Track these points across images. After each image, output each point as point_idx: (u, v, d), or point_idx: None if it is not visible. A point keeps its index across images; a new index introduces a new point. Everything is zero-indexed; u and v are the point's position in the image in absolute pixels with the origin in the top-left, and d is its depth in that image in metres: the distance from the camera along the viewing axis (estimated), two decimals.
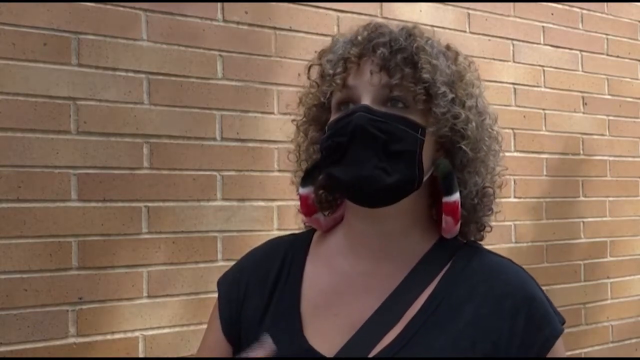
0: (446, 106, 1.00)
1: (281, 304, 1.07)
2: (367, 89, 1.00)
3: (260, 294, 1.10)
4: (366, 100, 0.99)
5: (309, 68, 1.11)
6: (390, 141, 0.97)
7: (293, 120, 1.14)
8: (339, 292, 1.05)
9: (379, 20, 1.11)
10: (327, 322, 1.03)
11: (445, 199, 1.02)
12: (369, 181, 0.98)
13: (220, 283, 1.19)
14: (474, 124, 1.03)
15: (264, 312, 1.08)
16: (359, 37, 1.03)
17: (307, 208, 1.11)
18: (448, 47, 1.08)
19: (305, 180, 1.10)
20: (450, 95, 1.01)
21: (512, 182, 3.01)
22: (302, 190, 1.10)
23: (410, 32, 1.04)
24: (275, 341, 1.01)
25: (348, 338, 1.00)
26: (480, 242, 1.13)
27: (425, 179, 1.01)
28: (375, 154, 0.97)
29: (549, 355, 1.00)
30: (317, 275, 1.08)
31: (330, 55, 1.06)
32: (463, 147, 1.02)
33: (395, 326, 0.99)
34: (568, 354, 3.09)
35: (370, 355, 0.98)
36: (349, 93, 1.02)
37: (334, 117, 1.04)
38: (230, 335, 1.13)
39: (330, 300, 1.05)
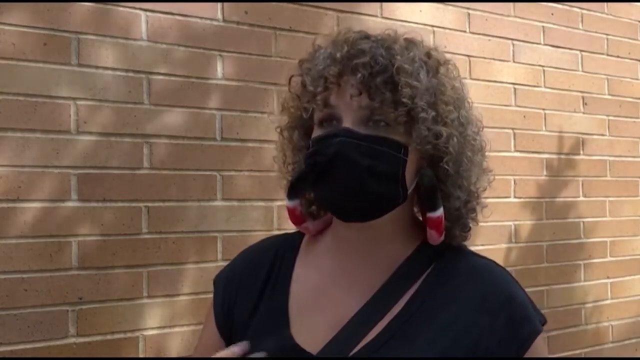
0: (427, 127, 1.01)
1: (271, 302, 1.10)
2: (348, 111, 1.01)
3: (251, 292, 1.12)
4: (347, 122, 1.00)
5: (289, 80, 1.12)
6: (373, 163, 0.98)
7: (277, 127, 1.14)
8: (325, 291, 1.07)
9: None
10: (313, 320, 1.05)
11: (430, 214, 1.04)
12: (352, 203, 1.01)
13: (216, 282, 1.22)
14: (455, 139, 1.03)
15: (254, 310, 1.10)
16: (339, 55, 1.03)
17: (296, 219, 1.13)
18: (429, 55, 1.07)
19: (292, 192, 1.11)
20: (432, 114, 1.01)
21: (512, 182, 3.01)
22: (289, 203, 1.11)
23: (391, 48, 1.02)
24: (263, 337, 1.04)
25: (332, 335, 1.02)
26: (469, 240, 1.13)
27: (410, 191, 1.03)
28: (357, 176, 0.98)
29: (529, 353, 1.01)
30: (306, 275, 1.11)
31: (309, 66, 1.07)
32: (445, 164, 1.03)
33: (377, 324, 1.01)
34: (568, 354, 3.09)
35: (353, 351, 1.00)
36: (331, 112, 1.03)
37: (316, 133, 1.05)
38: (223, 333, 1.16)
39: (316, 299, 1.07)
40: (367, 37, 1.05)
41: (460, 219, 1.08)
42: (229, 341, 1.13)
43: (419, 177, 1.04)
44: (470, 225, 1.10)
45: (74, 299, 2.07)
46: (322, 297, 1.07)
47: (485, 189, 1.10)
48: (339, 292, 1.06)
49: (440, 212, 1.03)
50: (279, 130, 1.14)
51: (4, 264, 1.98)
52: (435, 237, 1.05)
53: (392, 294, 1.04)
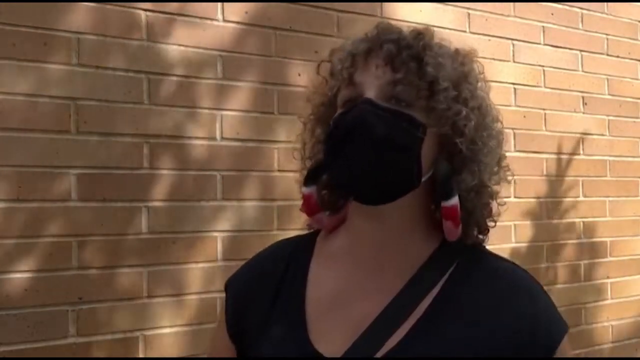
0: (448, 103, 1.01)
1: (286, 306, 1.07)
2: (371, 84, 1.01)
3: (265, 297, 1.10)
4: (370, 95, 1.01)
5: (319, 65, 1.12)
6: (390, 136, 0.98)
7: (300, 118, 1.14)
8: (343, 294, 1.05)
9: (388, 21, 1.12)
10: (331, 324, 1.02)
11: (444, 203, 1.02)
12: (366, 175, 0.99)
13: (227, 286, 1.19)
14: (473, 123, 1.03)
15: (268, 315, 1.08)
16: (369, 35, 1.06)
17: (310, 207, 1.10)
18: (457, 52, 1.10)
19: (309, 179, 1.10)
20: (453, 93, 1.02)
21: (512, 182, 3.00)
22: (305, 190, 1.10)
23: (420, 32, 1.06)
24: (280, 343, 1.02)
25: (353, 340, 1.00)
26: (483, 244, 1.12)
27: (424, 179, 1.02)
28: (374, 146, 0.98)
29: (560, 349, 1.00)
30: (322, 276, 1.08)
31: (340, 53, 1.08)
32: (460, 144, 1.02)
33: (399, 329, 0.99)
34: None
35: (377, 355, 0.98)
36: (355, 90, 1.03)
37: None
38: (234, 338, 1.13)
39: (334, 302, 1.04)
40: (397, 26, 1.08)
41: (476, 212, 1.06)
42: (240, 346, 1.12)
43: (435, 167, 1.03)
44: (487, 226, 1.09)
45: (74, 299, 2.07)
46: (340, 300, 1.04)
47: (499, 183, 1.10)
48: (357, 294, 1.04)
49: (454, 200, 1.02)
50: (302, 121, 1.14)
51: (4, 264, 1.98)
52: (451, 229, 1.03)
53: (413, 295, 1.02)
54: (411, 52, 1.01)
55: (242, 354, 1.12)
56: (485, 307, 1.01)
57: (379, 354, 0.98)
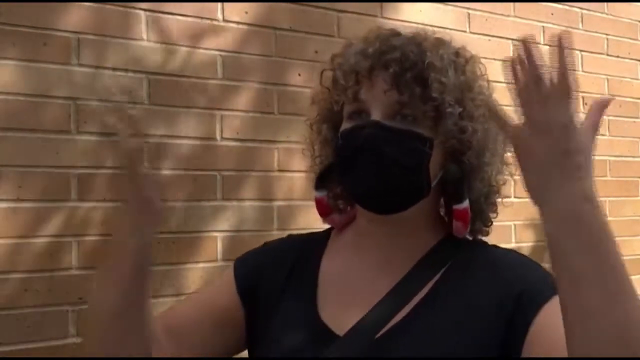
0: (454, 122, 1.05)
1: (298, 290, 1.13)
2: (377, 104, 1.04)
3: (277, 277, 1.15)
4: (376, 115, 1.04)
5: (321, 74, 1.14)
6: (398, 155, 1.03)
7: (306, 120, 1.18)
8: (351, 281, 1.11)
9: (389, 25, 1.12)
10: (339, 307, 1.09)
11: (456, 207, 1.08)
12: (377, 193, 1.05)
13: (237, 261, 1.23)
14: (479, 134, 1.07)
15: (280, 296, 1.13)
16: (371, 49, 1.06)
17: (323, 209, 1.16)
18: (457, 54, 1.11)
19: (319, 184, 1.15)
20: (458, 110, 1.05)
21: (512, 182, 3.00)
22: (317, 194, 1.15)
23: (421, 45, 1.06)
24: (292, 319, 1.09)
25: (357, 320, 1.06)
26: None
27: (433, 184, 1.06)
28: (382, 167, 1.03)
29: (543, 312, 0.98)
30: (333, 266, 1.14)
31: (341, 61, 1.10)
32: (468, 157, 1.07)
33: (401, 310, 1.04)
34: None
35: (378, 335, 1.03)
36: (360, 106, 1.06)
37: (345, 126, 1.08)
38: (246, 304, 1.15)
39: (343, 288, 1.11)
40: (398, 34, 1.09)
41: (482, 212, 1.12)
42: (249, 317, 1.14)
43: (444, 172, 1.07)
44: (491, 220, 1.14)
45: (74, 299, 2.07)
46: (348, 287, 1.11)
47: (504, 183, 1.15)
48: (364, 281, 1.10)
49: (466, 203, 1.07)
50: (308, 123, 1.17)
51: (4, 264, 1.98)
52: (461, 229, 1.09)
53: (415, 282, 1.07)
54: (415, 74, 1.03)
55: (251, 327, 1.15)
56: (484, 290, 1.04)
57: (379, 334, 1.04)
